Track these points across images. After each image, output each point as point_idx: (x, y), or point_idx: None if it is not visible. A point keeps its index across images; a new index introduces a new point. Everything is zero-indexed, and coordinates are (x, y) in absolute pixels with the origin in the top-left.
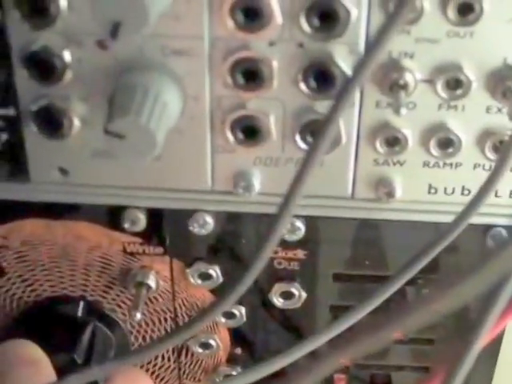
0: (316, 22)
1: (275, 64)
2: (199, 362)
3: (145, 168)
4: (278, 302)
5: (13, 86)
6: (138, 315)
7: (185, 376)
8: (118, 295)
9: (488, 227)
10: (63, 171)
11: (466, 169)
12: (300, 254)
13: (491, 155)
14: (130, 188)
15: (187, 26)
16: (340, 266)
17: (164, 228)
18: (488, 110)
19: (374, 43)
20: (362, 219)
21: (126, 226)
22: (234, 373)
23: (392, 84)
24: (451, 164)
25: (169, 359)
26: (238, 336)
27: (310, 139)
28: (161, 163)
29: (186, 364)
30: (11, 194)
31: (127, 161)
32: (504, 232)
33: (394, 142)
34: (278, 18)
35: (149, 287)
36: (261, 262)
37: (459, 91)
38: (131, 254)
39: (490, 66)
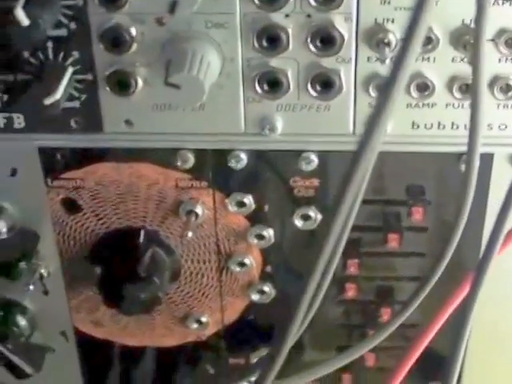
0: None
1: (290, 31)
2: (237, 280)
3: (192, 117)
4: (298, 223)
5: (91, 57)
6: (190, 233)
7: (225, 292)
8: (171, 224)
9: (460, 155)
10: (129, 123)
11: (440, 107)
12: (315, 182)
13: (458, 95)
14: (182, 134)
15: (223, 5)
16: None
17: (208, 165)
18: (453, 59)
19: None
20: None
21: (178, 164)
22: (266, 288)
23: (378, 42)
24: (428, 104)
25: (212, 278)
26: (268, 255)
27: (318, 88)
28: (205, 113)
29: (226, 282)
30: (88, 142)
31: (181, 111)
32: None
33: None
34: None
35: (197, 214)
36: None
37: (430, 46)
38: (182, 188)
39: (453, 25)
